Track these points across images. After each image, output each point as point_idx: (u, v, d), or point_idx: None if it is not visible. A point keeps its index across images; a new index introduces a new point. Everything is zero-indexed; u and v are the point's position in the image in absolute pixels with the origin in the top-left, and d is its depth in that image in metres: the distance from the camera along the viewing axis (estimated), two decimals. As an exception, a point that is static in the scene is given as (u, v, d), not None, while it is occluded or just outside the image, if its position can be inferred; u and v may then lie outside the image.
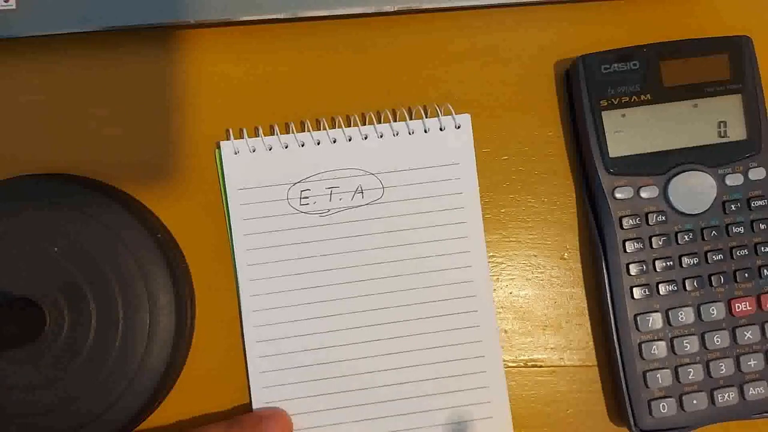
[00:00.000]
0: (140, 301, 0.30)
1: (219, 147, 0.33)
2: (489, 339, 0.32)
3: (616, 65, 0.32)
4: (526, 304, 0.33)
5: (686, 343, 0.31)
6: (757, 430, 0.33)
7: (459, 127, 0.33)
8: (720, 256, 0.31)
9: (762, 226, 0.32)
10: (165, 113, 0.33)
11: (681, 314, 0.31)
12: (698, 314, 0.31)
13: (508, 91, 0.34)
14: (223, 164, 0.32)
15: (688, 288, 0.31)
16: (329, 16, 0.32)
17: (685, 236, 0.31)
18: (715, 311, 0.31)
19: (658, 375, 0.31)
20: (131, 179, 0.32)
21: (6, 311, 0.29)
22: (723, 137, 0.32)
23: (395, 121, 0.33)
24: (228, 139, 0.32)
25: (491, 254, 0.33)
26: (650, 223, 0.31)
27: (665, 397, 0.31)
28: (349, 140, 0.33)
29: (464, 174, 0.33)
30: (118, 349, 0.29)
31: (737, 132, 0.32)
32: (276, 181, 0.32)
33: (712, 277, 0.31)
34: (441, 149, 0.33)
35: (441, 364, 0.32)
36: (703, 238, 0.32)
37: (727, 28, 0.34)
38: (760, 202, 0.32)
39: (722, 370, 0.31)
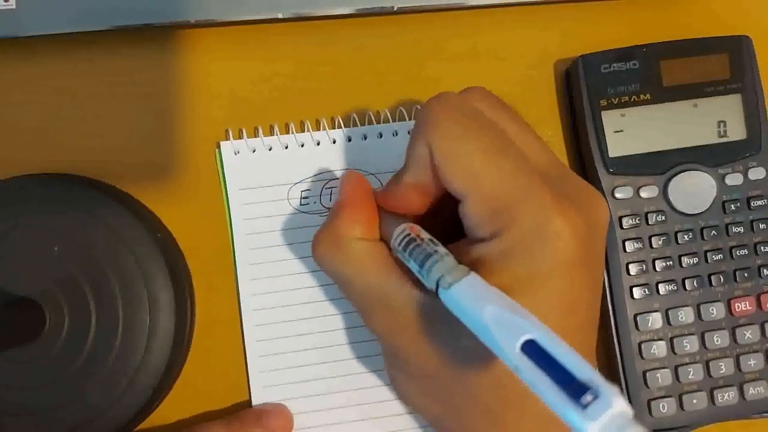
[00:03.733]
0: (140, 301, 0.30)
1: (219, 147, 0.33)
2: (489, 339, 0.32)
3: (616, 65, 0.32)
4: (525, 303, 0.33)
5: (686, 342, 0.31)
6: (757, 430, 0.33)
7: (459, 127, 0.33)
8: (720, 256, 0.31)
9: (762, 226, 0.32)
10: (165, 113, 0.33)
11: (681, 314, 0.31)
12: (698, 314, 0.31)
13: (508, 91, 0.34)
14: (224, 164, 0.32)
15: (687, 288, 0.31)
16: (329, 15, 0.32)
17: (685, 236, 0.31)
18: (715, 311, 0.31)
19: (658, 375, 0.31)
20: (131, 179, 0.33)
21: (6, 311, 0.29)
22: (723, 137, 0.32)
23: (394, 121, 0.33)
24: (228, 139, 0.32)
25: (491, 254, 0.33)
26: (650, 223, 0.31)
27: (665, 396, 0.31)
28: (349, 140, 0.33)
29: (464, 174, 0.33)
30: (118, 348, 0.29)
31: (737, 132, 0.32)
32: (276, 181, 0.32)
33: (712, 277, 0.31)
34: (441, 149, 0.33)
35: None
36: (702, 238, 0.32)
37: (726, 28, 0.34)
38: (759, 202, 0.32)
39: (722, 369, 0.31)
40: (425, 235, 0.24)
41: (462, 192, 0.24)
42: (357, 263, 0.26)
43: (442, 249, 0.23)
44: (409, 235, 0.24)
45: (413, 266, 0.24)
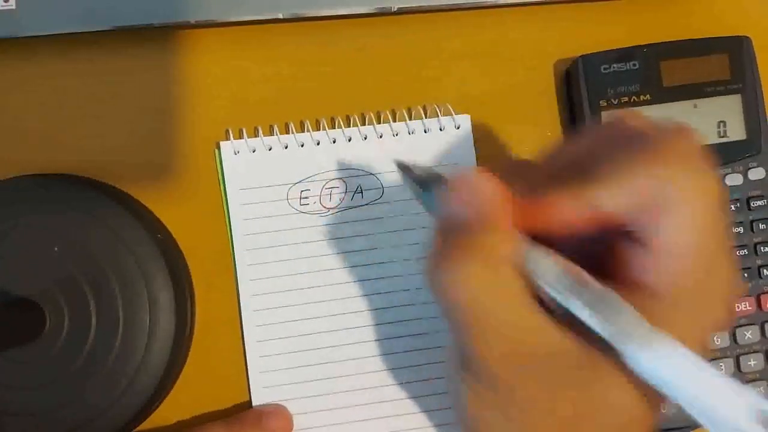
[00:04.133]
0: (140, 301, 0.30)
1: (219, 147, 0.33)
2: (489, 339, 0.32)
3: (616, 65, 0.32)
4: (526, 304, 0.33)
5: (686, 343, 0.31)
6: (757, 430, 0.33)
7: (459, 128, 0.33)
8: (720, 256, 0.31)
9: (762, 226, 0.32)
10: (165, 113, 0.33)
11: (681, 314, 0.31)
12: (698, 314, 0.31)
13: (508, 91, 0.34)
14: (223, 164, 0.32)
15: (687, 288, 0.31)
16: (329, 16, 0.32)
17: (685, 236, 0.31)
18: (715, 311, 0.31)
19: (658, 375, 0.31)
20: (131, 179, 0.32)
21: (6, 311, 0.29)
22: (723, 137, 0.32)
23: (395, 121, 0.33)
24: (228, 139, 0.32)
25: (491, 254, 0.33)
26: (650, 223, 0.31)
27: (665, 397, 0.31)
28: (349, 140, 0.33)
29: (464, 174, 0.33)
30: (118, 348, 0.29)
31: (737, 132, 0.32)
32: (276, 181, 0.32)
33: (712, 277, 0.31)
34: (441, 150, 0.33)
35: (443, 364, 0.32)
36: (702, 238, 0.31)
37: (726, 28, 0.34)
38: (759, 202, 0.32)
39: (722, 370, 0.31)
40: (588, 277, 0.20)
41: (682, 247, 0.20)
42: (505, 295, 0.20)
43: (626, 304, 0.20)
44: (577, 274, 0.20)
45: (582, 314, 0.20)
